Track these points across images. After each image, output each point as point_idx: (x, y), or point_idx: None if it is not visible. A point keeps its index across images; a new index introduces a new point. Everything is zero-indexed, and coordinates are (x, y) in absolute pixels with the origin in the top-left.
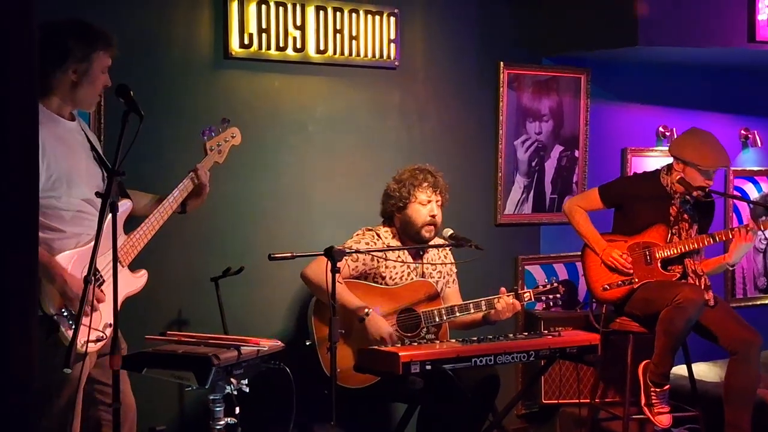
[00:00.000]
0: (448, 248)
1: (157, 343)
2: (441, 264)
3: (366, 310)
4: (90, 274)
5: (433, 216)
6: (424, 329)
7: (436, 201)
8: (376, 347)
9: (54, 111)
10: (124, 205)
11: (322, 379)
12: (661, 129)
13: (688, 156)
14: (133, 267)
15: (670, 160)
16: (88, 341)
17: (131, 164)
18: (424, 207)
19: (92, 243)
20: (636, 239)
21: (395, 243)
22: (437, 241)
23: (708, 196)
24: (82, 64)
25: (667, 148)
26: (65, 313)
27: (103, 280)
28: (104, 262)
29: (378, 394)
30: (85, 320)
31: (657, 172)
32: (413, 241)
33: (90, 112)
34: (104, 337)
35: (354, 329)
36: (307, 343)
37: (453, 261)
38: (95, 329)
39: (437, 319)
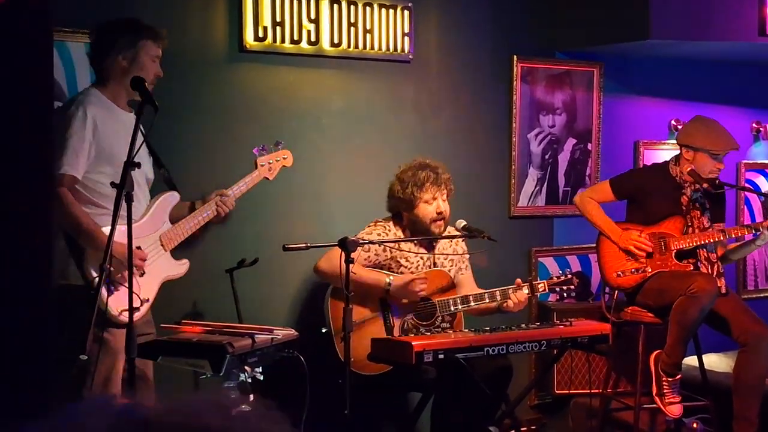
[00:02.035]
0: (459, 238)
1: (172, 332)
2: (453, 254)
3: (386, 279)
4: (104, 261)
5: (440, 212)
6: (439, 318)
7: (441, 196)
8: (389, 337)
9: (109, 98)
10: (173, 197)
11: (337, 367)
12: (673, 122)
13: (700, 142)
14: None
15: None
16: (124, 310)
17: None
18: (431, 205)
19: (139, 222)
20: (652, 229)
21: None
22: (450, 231)
23: (719, 187)
24: (130, 51)
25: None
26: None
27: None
28: (148, 243)
29: (392, 384)
30: (118, 293)
31: (666, 163)
32: (424, 235)
33: None
34: (140, 309)
35: (370, 316)
36: (323, 331)
37: (465, 250)
38: (136, 294)
39: (452, 308)
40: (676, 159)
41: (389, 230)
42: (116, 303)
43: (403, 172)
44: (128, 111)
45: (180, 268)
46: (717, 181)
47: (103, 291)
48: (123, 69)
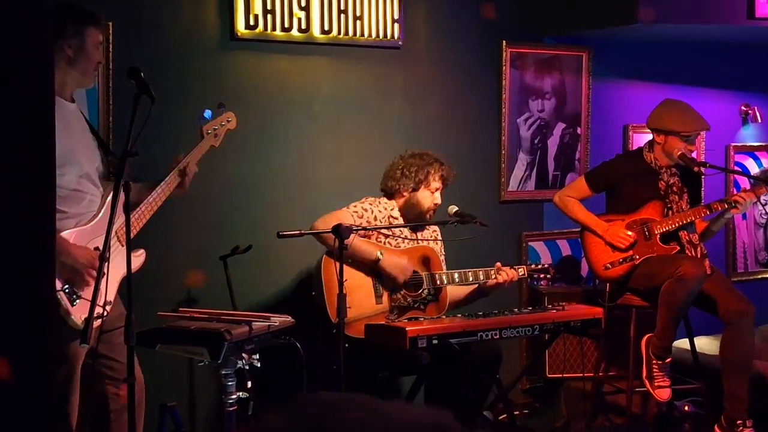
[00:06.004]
0: (437, 226)
1: (170, 320)
2: (433, 240)
3: (378, 252)
4: (105, 250)
5: (437, 204)
6: (425, 290)
7: (440, 191)
8: (384, 322)
9: (56, 92)
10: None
11: (327, 328)
12: None
13: (669, 125)
14: (139, 245)
15: None
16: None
17: (139, 146)
18: (432, 194)
19: (91, 223)
20: (633, 217)
21: (397, 214)
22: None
23: (699, 168)
24: (76, 39)
25: None
26: (67, 290)
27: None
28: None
29: (386, 368)
30: (88, 295)
31: (639, 150)
32: (411, 221)
33: (89, 88)
34: (105, 314)
35: (361, 280)
36: (313, 294)
37: (441, 240)
38: (98, 305)
39: (438, 282)
40: (650, 145)
41: (383, 205)
42: (79, 312)
43: (415, 156)
44: (72, 102)
45: (137, 260)
46: (707, 165)
47: (69, 305)
48: (68, 58)
